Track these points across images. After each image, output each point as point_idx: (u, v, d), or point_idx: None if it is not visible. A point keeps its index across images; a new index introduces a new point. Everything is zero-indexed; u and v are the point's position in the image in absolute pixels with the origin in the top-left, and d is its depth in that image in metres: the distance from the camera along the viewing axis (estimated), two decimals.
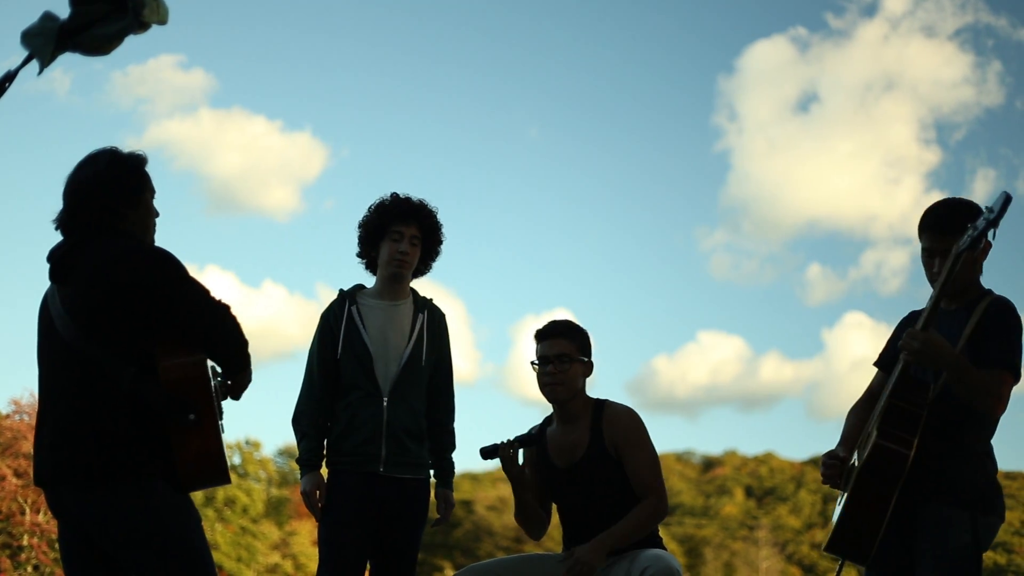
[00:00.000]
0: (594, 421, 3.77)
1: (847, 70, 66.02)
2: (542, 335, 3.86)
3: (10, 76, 2.10)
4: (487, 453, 3.81)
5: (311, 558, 32.24)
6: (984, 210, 2.97)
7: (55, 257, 3.02)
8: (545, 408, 3.93)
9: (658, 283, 69.71)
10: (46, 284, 3.07)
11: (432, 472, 4.17)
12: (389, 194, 4.18)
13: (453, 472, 4.21)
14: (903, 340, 3.16)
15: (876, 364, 3.55)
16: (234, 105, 73.53)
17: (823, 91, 68.73)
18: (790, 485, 47.59)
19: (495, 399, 63.61)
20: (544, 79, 69.67)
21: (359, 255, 4.24)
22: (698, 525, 44.54)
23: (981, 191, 64.80)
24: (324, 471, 4.10)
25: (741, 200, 68.95)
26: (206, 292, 2.98)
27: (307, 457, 4.06)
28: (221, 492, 30.45)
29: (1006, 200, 2.97)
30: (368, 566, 4.07)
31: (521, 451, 3.86)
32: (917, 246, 3.38)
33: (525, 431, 3.90)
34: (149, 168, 3.14)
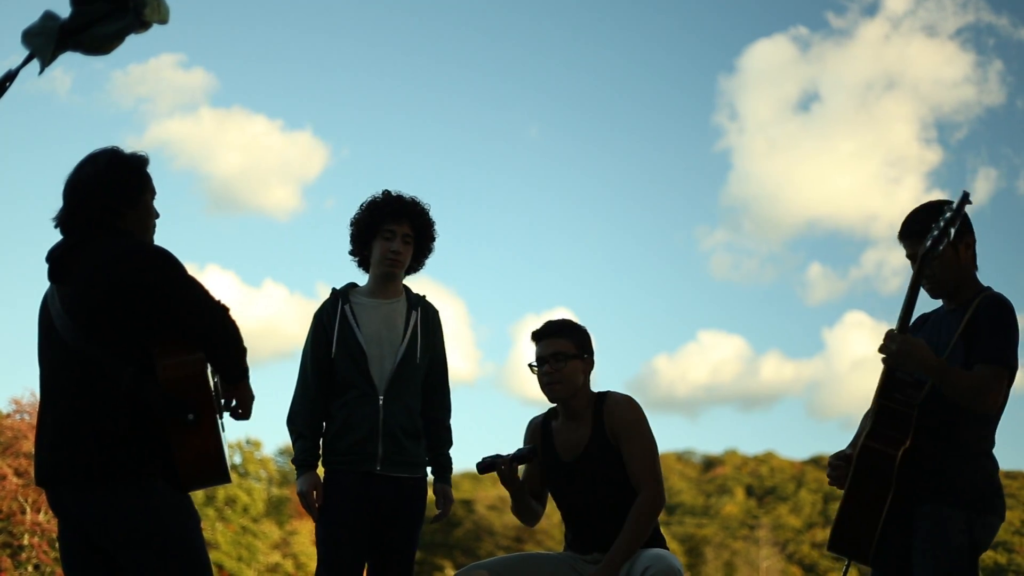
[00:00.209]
0: (596, 412, 3.77)
1: (848, 69, 66.05)
2: (537, 336, 3.85)
3: (11, 75, 2.11)
4: (483, 468, 3.77)
5: (312, 557, 32.22)
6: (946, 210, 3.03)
7: (54, 257, 3.01)
8: (547, 407, 3.92)
9: (658, 282, 69.75)
10: (46, 284, 3.06)
11: (430, 468, 4.16)
12: (381, 192, 4.16)
13: (451, 468, 4.20)
14: (882, 343, 3.18)
15: None
16: (234, 104, 73.59)
17: (824, 90, 68.79)
18: (790, 484, 47.57)
19: (495, 399, 63.66)
20: (544, 78, 69.70)
21: (351, 253, 4.22)
22: (698, 524, 44.52)
23: (982, 191, 64.68)
24: (320, 471, 4.09)
25: (742, 199, 69.01)
26: (206, 292, 2.97)
27: (303, 457, 4.04)
28: (222, 491, 30.44)
29: (963, 198, 3.05)
30: (366, 565, 4.06)
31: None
32: None
33: (523, 447, 3.84)
34: (150, 168, 3.13)
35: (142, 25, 2.20)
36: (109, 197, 3.02)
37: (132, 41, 2.22)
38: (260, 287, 65.66)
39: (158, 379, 2.89)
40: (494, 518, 38.34)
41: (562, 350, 3.78)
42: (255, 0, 64.72)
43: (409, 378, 4.06)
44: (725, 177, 74.55)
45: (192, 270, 2.98)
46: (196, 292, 2.96)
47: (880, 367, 3.49)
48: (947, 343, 3.27)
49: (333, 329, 4.06)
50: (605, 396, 3.81)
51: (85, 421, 2.91)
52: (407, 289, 4.21)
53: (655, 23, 69.29)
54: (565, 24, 69.65)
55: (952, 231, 3.10)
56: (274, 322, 60.51)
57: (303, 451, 4.05)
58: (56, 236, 3.06)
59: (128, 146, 3.12)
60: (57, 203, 3.07)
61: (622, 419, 3.73)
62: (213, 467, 2.95)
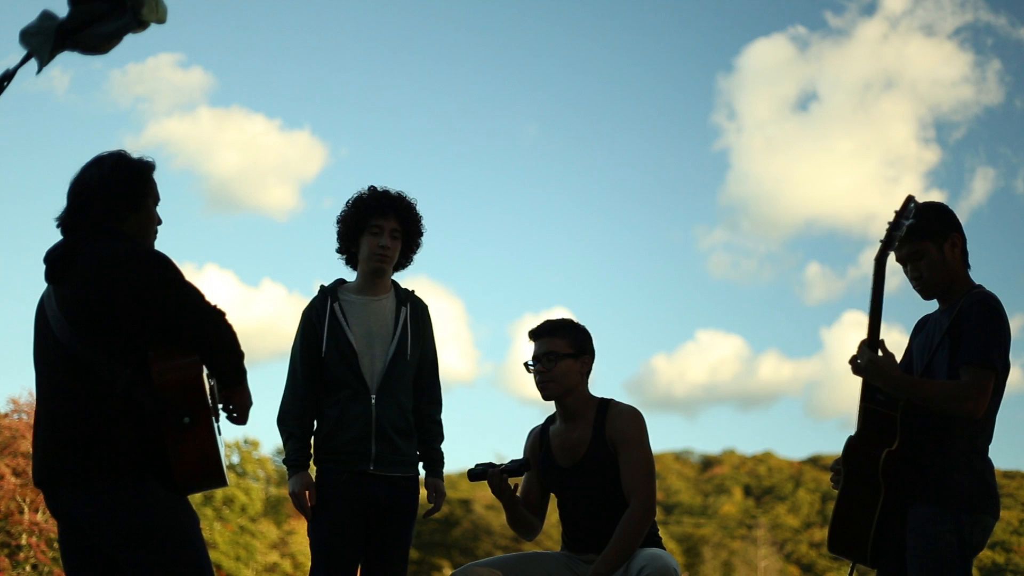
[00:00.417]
0: (597, 420, 3.75)
1: (846, 69, 66.09)
2: (533, 335, 3.85)
3: (9, 75, 2.11)
4: (474, 476, 3.76)
5: (309, 557, 32.18)
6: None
7: (51, 258, 3.01)
8: (544, 407, 3.92)
9: (657, 282, 69.79)
10: (44, 285, 3.05)
11: (421, 464, 4.15)
12: (367, 187, 4.13)
13: (442, 462, 4.18)
14: (854, 354, 3.23)
15: None
16: (233, 104, 73.62)
17: (822, 90, 68.85)
18: (788, 484, 47.58)
19: (494, 398, 63.70)
20: (543, 77, 69.67)
21: (339, 251, 4.18)
22: (696, 524, 44.51)
23: (980, 190, 64.80)
24: (312, 470, 4.07)
25: (740, 199, 69.05)
26: (201, 296, 2.96)
27: (295, 457, 4.02)
28: (219, 491, 30.41)
29: (905, 202, 3.10)
30: (360, 564, 4.04)
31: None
32: None
33: (516, 459, 3.81)
34: (155, 174, 3.13)
35: (140, 24, 2.21)
36: (112, 200, 3.02)
37: (130, 40, 2.23)
38: (258, 287, 65.73)
39: (153, 382, 2.89)
40: (492, 518, 38.31)
41: (555, 349, 3.77)
42: (254, 0, 64.71)
43: (400, 375, 4.04)
44: (723, 177, 74.66)
45: (190, 270, 3.00)
46: (191, 296, 2.94)
47: None
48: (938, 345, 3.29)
49: (323, 327, 4.04)
50: (609, 404, 3.79)
51: (80, 423, 2.90)
52: (396, 285, 4.18)
53: (654, 22, 69.35)
54: (564, 23, 69.70)
55: (896, 236, 3.14)
56: (272, 322, 60.56)
57: (294, 451, 4.03)
58: (56, 236, 3.06)
59: (126, 145, 3.13)
60: (56, 203, 3.07)
61: (623, 431, 3.72)
62: (210, 470, 2.94)
